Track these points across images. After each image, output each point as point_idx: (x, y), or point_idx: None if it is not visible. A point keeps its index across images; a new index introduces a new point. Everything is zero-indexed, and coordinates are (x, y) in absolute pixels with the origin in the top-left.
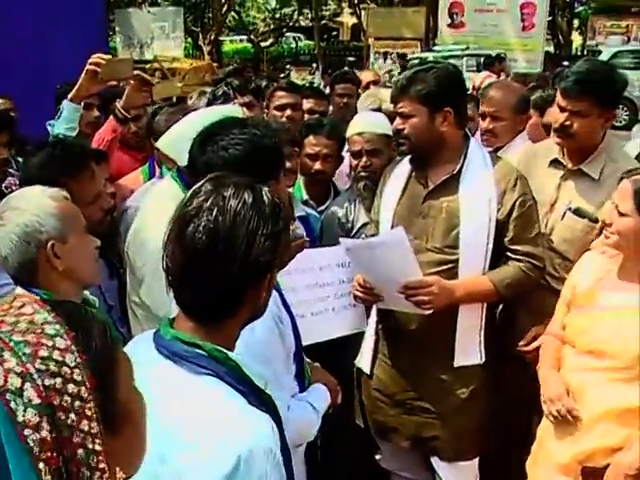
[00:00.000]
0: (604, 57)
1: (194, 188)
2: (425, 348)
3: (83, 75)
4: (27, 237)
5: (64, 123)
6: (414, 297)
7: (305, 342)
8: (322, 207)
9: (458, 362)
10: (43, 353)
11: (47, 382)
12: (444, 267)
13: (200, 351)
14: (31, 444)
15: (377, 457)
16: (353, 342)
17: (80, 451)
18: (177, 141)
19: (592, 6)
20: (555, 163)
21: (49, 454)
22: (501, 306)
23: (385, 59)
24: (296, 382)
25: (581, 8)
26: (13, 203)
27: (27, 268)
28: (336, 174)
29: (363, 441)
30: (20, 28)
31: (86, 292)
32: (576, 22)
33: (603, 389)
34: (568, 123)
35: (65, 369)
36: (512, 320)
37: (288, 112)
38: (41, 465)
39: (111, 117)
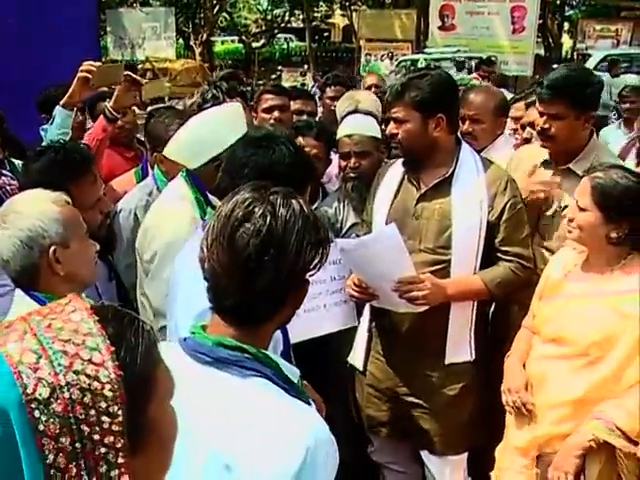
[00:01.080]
0: (593, 61)
1: (238, 196)
2: (417, 346)
3: (75, 82)
4: (30, 242)
5: (57, 129)
6: (407, 293)
7: (299, 339)
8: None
9: (449, 359)
10: (77, 367)
11: (75, 396)
12: (437, 267)
13: (245, 354)
14: (47, 453)
15: (369, 450)
16: (345, 339)
17: (102, 464)
18: (185, 146)
19: (582, 9)
20: (545, 164)
21: (65, 464)
22: (493, 304)
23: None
24: None
25: (571, 12)
26: (16, 207)
27: (28, 272)
28: (325, 176)
29: (355, 434)
30: (6, 30)
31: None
32: (566, 25)
33: (562, 377)
34: (547, 126)
35: (96, 384)
36: (504, 317)
37: (276, 114)
38: (53, 472)
39: (101, 117)
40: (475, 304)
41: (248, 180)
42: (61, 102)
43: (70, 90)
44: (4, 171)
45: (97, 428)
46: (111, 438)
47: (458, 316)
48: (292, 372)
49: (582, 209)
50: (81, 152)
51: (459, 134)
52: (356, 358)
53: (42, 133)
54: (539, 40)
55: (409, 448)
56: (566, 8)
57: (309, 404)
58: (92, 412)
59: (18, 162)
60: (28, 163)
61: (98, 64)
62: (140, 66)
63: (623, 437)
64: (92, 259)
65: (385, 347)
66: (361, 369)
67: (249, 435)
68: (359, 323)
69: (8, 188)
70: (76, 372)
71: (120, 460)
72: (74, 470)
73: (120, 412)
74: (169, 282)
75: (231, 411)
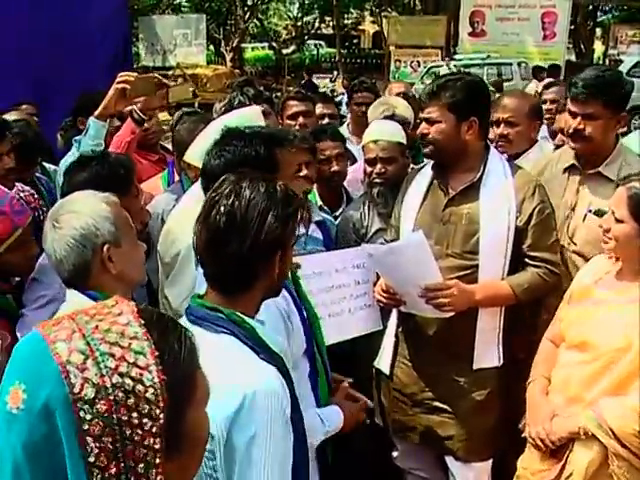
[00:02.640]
0: (625, 66)
1: (218, 182)
2: (444, 351)
3: (111, 93)
4: (84, 240)
5: (90, 140)
6: (434, 300)
7: (325, 343)
8: (336, 213)
9: (477, 364)
10: (122, 369)
11: (119, 398)
12: (464, 272)
13: (220, 314)
14: (89, 451)
15: (393, 455)
16: (370, 343)
17: (141, 464)
18: (202, 150)
19: (615, 15)
20: (572, 169)
21: (106, 463)
22: (519, 308)
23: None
24: (309, 380)
25: (604, 17)
26: (69, 207)
27: (81, 270)
28: (350, 181)
29: (379, 439)
30: (38, 36)
31: None
32: (598, 31)
33: (583, 381)
34: (581, 127)
35: (139, 387)
36: (531, 322)
37: (301, 120)
38: (95, 471)
39: (129, 119)
40: (503, 309)
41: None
42: (95, 113)
43: (105, 101)
44: (38, 174)
45: (139, 430)
46: (151, 439)
47: (486, 321)
48: (274, 341)
49: (618, 220)
50: (125, 165)
51: (493, 138)
52: (382, 362)
53: (75, 144)
54: (570, 46)
55: (434, 454)
56: (598, 14)
57: (281, 368)
58: (134, 414)
59: (50, 166)
60: (71, 174)
61: (134, 74)
62: (171, 72)
63: (611, 435)
64: (142, 260)
65: (412, 352)
66: (387, 373)
67: None
68: (384, 327)
69: (22, 195)
70: (121, 375)
71: (157, 460)
72: (114, 469)
73: (162, 415)
74: (190, 284)
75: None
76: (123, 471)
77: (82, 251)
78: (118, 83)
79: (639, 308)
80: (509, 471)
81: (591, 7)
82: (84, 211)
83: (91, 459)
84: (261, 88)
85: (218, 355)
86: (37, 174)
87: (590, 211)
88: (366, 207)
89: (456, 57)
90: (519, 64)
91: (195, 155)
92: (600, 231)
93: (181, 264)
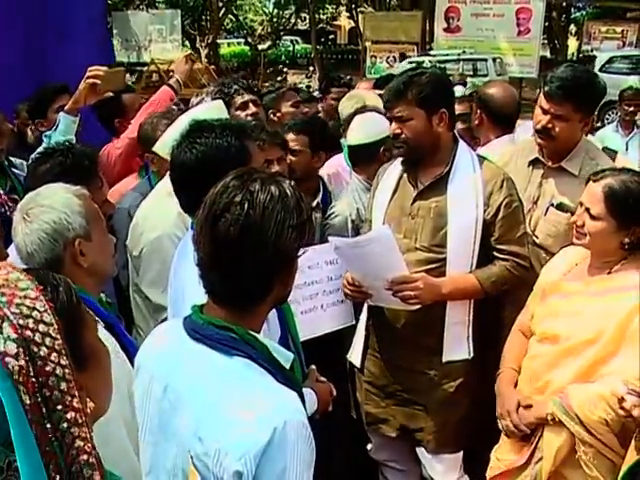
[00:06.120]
0: (599, 62)
1: (220, 185)
2: (414, 343)
3: (82, 87)
4: (56, 234)
5: (61, 135)
6: (400, 293)
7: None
8: (312, 204)
9: (446, 357)
10: (17, 300)
11: (21, 322)
12: (432, 265)
13: (232, 334)
14: (11, 369)
15: (368, 447)
16: (345, 337)
17: (52, 378)
18: (169, 142)
19: (588, 11)
20: (535, 162)
21: (26, 378)
22: (488, 301)
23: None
24: None
25: (578, 13)
26: (39, 200)
27: (53, 265)
28: (333, 177)
29: (355, 433)
30: (15, 33)
31: None
32: (572, 27)
33: (553, 372)
34: (550, 126)
35: (35, 313)
36: (498, 315)
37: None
38: (21, 387)
39: (167, 88)
40: (472, 302)
41: (182, 187)
42: (65, 108)
43: (75, 96)
44: (16, 170)
45: (44, 348)
46: (56, 356)
47: (455, 314)
48: (284, 356)
49: (594, 217)
50: (89, 157)
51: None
52: (354, 355)
53: (45, 140)
54: (544, 42)
55: (407, 446)
56: (572, 10)
57: (297, 390)
58: (37, 334)
59: (20, 161)
60: (35, 165)
61: (104, 69)
62: (146, 68)
63: (577, 421)
64: (112, 252)
65: (382, 344)
66: (359, 366)
67: (223, 411)
68: (357, 321)
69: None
70: (17, 305)
71: (67, 376)
72: (30, 386)
73: (59, 336)
74: (164, 276)
75: (211, 386)
76: (39, 386)
77: (54, 245)
78: (88, 78)
79: (609, 299)
80: (481, 462)
81: (565, 4)
82: (55, 205)
83: (16, 377)
84: None
85: (237, 383)
86: (13, 169)
87: (552, 205)
88: (359, 201)
89: (431, 53)
90: (494, 60)
91: (166, 147)
92: (563, 225)
93: (149, 256)
